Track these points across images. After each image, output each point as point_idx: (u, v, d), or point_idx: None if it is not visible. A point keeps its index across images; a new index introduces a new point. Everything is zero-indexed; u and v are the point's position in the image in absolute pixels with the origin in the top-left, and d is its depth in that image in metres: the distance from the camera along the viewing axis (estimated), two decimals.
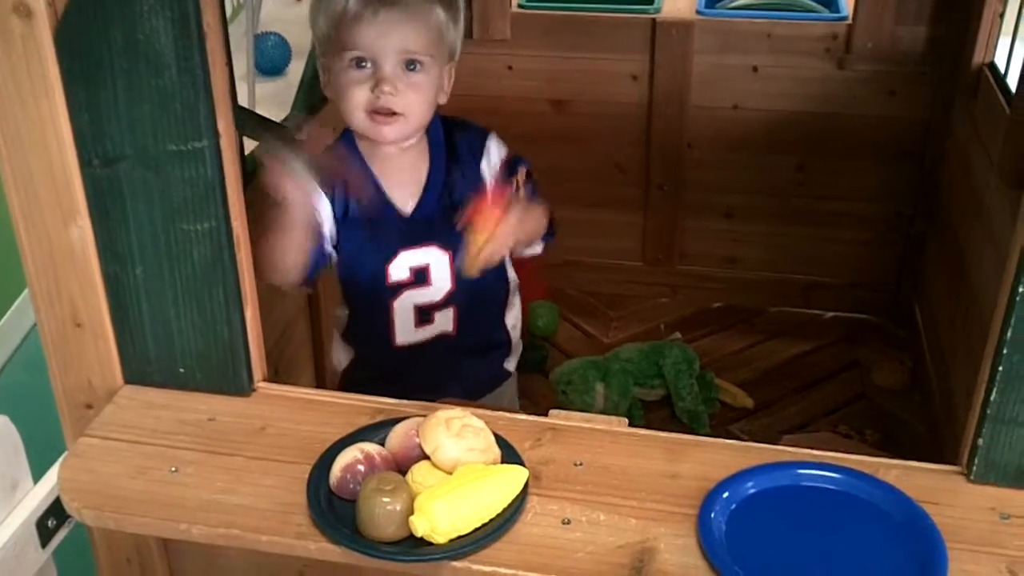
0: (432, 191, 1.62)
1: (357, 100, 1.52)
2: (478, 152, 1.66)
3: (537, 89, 2.65)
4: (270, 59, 4.62)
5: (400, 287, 1.64)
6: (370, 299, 1.64)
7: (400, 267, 1.63)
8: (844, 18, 2.49)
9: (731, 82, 2.56)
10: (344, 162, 1.56)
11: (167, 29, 1.12)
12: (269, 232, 1.50)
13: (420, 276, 1.64)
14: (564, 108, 2.66)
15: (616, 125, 2.64)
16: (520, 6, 2.63)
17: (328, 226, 1.59)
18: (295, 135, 1.57)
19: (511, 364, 1.82)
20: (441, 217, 1.61)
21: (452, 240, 1.61)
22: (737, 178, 2.65)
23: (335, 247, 1.61)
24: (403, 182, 1.62)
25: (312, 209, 1.54)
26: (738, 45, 2.53)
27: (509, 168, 1.65)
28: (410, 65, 1.51)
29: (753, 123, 2.58)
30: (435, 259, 1.64)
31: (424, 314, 1.67)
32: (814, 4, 2.60)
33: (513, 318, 1.79)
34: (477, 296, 1.70)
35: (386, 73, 1.50)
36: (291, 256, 1.53)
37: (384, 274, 1.63)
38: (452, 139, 1.64)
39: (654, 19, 2.54)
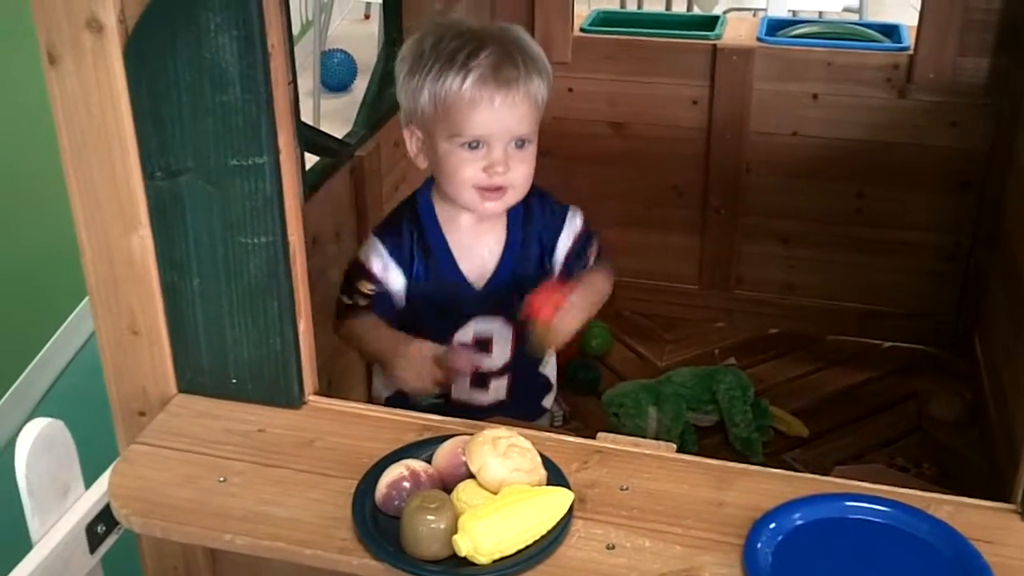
0: (505, 266, 1.63)
1: (468, 179, 1.53)
2: (556, 228, 1.67)
3: (597, 111, 2.65)
4: (336, 76, 4.66)
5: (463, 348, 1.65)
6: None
7: (464, 333, 1.65)
8: (906, 48, 2.47)
9: (791, 109, 2.54)
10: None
11: (233, 47, 1.14)
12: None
13: (482, 344, 1.66)
14: (624, 131, 2.66)
15: (675, 149, 2.64)
16: (582, 30, 2.63)
17: (398, 298, 1.62)
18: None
19: (548, 401, 1.83)
20: (510, 291, 1.63)
21: (516, 313, 1.62)
22: (795, 204, 2.63)
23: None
24: (477, 253, 1.63)
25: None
26: (798, 73, 2.51)
27: (582, 242, 1.68)
28: (519, 143, 1.52)
29: (812, 150, 2.57)
30: (499, 330, 1.66)
31: (481, 379, 1.68)
32: (876, 34, 2.58)
33: (545, 359, 1.78)
34: (530, 363, 1.72)
35: (498, 155, 1.51)
36: None
37: (449, 338, 1.63)
38: (530, 209, 1.65)
39: (715, 45, 2.53)
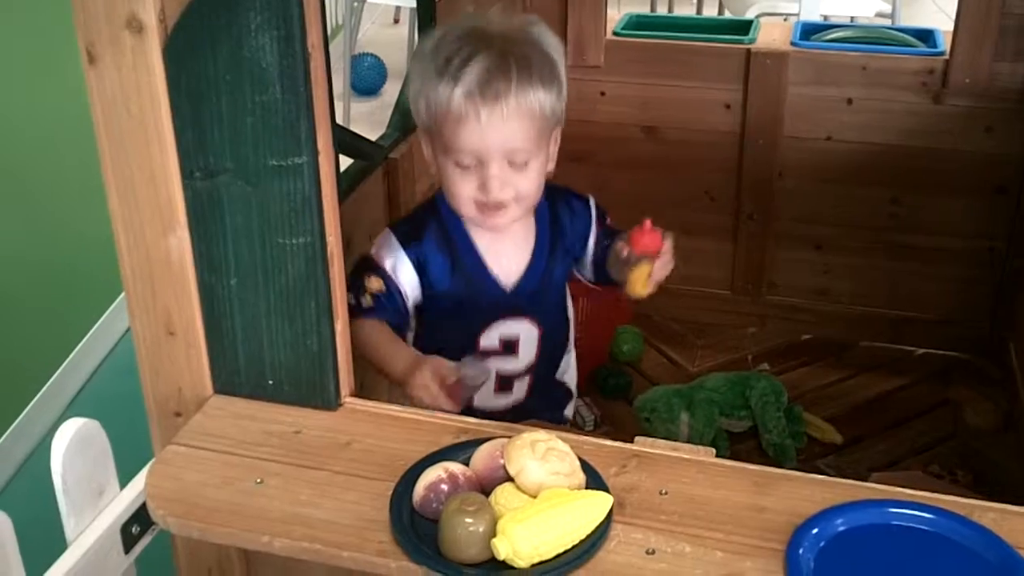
0: (535, 268, 1.62)
1: (466, 194, 1.50)
2: (585, 223, 1.66)
3: (629, 115, 2.64)
4: (366, 80, 4.67)
5: (487, 354, 1.63)
6: (455, 359, 1.56)
7: (491, 336, 1.63)
8: (941, 53, 2.44)
9: (825, 114, 2.52)
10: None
11: (273, 47, 1.14)
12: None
13: (509, 347, 1.65)
14: (656, 135, 2.65)
15: (708, 153, 2.62)
16: (615, 33, 2.62)
17: (406, 298, 1.59)
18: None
19: (569, 411, 1.81)
20: (539, 292, 1.61)
21: (544, 314, 1.62)
22: (829, 210, 2.61)
23: (422, 308, 1.61)
24: (505, 253, 1.61)
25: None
26: (833, 77, 2.49)
27: (602, 218, 1.69)
28: (515, 159, 1.48)
29: (846, 155, 2.54)
30: (526, 332, 1.64)
31: (504, 382, 1.67)
32: (910, 38, 2.56)
33: (564, 366, 1.77)
34: (552, 364, 1.71)
35: (492, 171, 1.47)
36: None
37: (475, 340, 1.62)
38: (556, 210, 1.63)
39: (749, 49, 2.51)
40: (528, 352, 1.66)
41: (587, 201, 1.68)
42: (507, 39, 1.47)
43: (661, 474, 1.22)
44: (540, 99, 1.47)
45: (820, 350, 2.69)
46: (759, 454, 2.32)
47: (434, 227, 1.59)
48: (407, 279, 1.58)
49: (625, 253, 1.53)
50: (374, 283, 1.57)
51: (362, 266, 1.59)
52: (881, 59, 2.48)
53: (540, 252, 1.62)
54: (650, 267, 1.53)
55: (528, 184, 1.51)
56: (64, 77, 2.47)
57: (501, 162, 1.47)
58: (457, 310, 1.61)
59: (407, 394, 1.48)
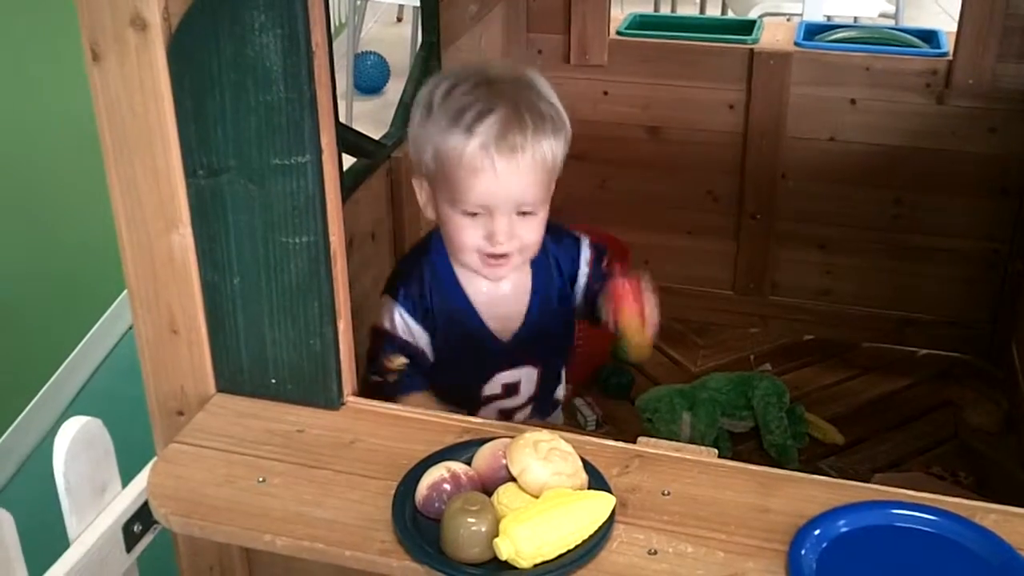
0: (532, 315, 1.60)
1: (469, 245, 1.48)
2: (572, 264, 1.64)
3: (632, 115, 2.64)
4: (369, 78, 4.66)
5: (490, 399, 1.64)
6: (457, 405, 1.54)
7: (493, 385, 1.63)
8: (944, 54, 2.44)
9: (828, 114, 2.52)
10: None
11: (277, 46, 1.14)
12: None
13: (510, 390, 1.65)
14: (659, 135, 2.65)
15: (711, 153, 2.62)
16: (619, 33, 2.62)
17: (426, 358, 1.58)
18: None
19: (559, 392, 1.80)
20: (538, 339, 1.61)
21: (543, 355, 1.62)
22: (832, 210, 2.61)
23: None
24: (502, 305, 1.60)
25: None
26: (836, 77, 2.49)
27: (597, 260, 1.65)
28: (524, 211, 1.47)
29: (850, 156, 2.54)
30: (526, 374, 1.64)
31: (506, 415, 1.66)
32: (914, 39, 2.56)
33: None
34: (551, 393, 1.72)
35: (500, 224, 1.46)
36: None
37: (477, 390, 1.62)
38: (547, 250, 1.61)
39: (752, 49, 2.52)
40: (528, 389, 1.67)
41: (579, 241, 1.66)
42: (517, 90, 1.46)
43: (663, 474, 1.22)
44: (552, 149, 1.46)
45: (822, 351, 2.69)
46: (761, 455, 2.33)
47: (428, 281, 1.57)
48: (421, 339, 1.57)
49: (613, 324, 1.52)
50: (396, 362, 1.55)
51: (377, 343, 1.58)
52: (884, 60, 2.47)
53: (536, 298, 1.61)
54: (639, 325, 1.51)
55: (532, 234, 1.50)
56: (64, 79, 2.47)
57: (510, 213, 1.46)
58: (456, 362, 1.59)
59: None
